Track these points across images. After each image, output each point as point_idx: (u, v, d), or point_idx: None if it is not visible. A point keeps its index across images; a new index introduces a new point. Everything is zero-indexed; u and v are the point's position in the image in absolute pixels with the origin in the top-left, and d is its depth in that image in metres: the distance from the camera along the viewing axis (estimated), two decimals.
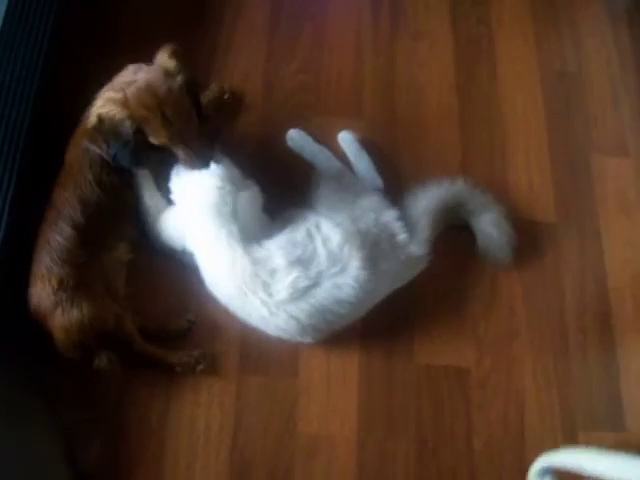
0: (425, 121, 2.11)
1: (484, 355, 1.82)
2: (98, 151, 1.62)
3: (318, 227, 1.67)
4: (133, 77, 1.56)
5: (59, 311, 1.55)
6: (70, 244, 1.59)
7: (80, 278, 1.58)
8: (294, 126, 1.98)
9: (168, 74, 1.56)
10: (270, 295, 1.59)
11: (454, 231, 1.89)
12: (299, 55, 2.14)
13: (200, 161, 1.61)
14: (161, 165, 1.73)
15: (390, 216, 1.76)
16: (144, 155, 1.62)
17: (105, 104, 1.54)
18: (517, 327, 1.87)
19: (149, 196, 1.74)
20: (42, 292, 1.56)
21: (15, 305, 1.58)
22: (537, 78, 2.24)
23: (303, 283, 1.59)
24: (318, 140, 1.97)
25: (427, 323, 1.83)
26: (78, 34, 2.02)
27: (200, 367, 1.66)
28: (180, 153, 1.60)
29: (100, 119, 1.54)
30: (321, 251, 1.62)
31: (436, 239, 1.82)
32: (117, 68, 1.62)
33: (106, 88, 1.60)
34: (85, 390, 1.59)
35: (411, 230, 1.77)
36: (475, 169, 2.04)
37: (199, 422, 1.65)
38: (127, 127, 1.53)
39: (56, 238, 1.59)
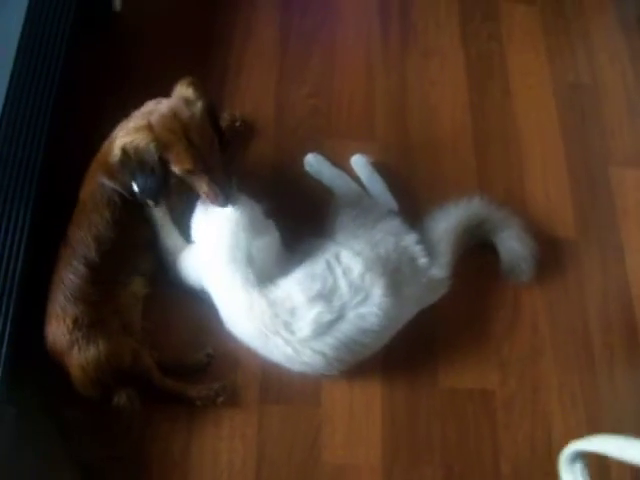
0: (439, 140, 2.09)
1: (509, 376, 1.79)
2: (115, 187, 1.62)
3: (338, 258, 1.64)
4: (154, 107, 1.57)
5: (75, 350, 1.54)
6: (84, 282, 1.58)
7: (95, 315, 1.57)
8: (306, 151, 1.97)
9: (189, 102, 1.56)
10: (293, 333, 1.56)
11: (474, 251, 1.87)
12: (310, 78, 2.14)
13: (222, 193, 1.59)
14: (181, 201, 1.73)
15: (410, 240, 1.74)
16: (167, 187, 1.61)
17: (128, 134, 1.54)
18: (541, 346, 1.84)
19: (168, 235, 1.72)
20: (57, 331, 1.55)
21: (33, 343, 1.58)
22: (550, 91, 2.23)
23: (326, 317, 1.56)
24: (333, 165, 1.96)
25: (449, 346, 1.80)
26: (90, 70, 2.03)
27: (220, 399, 1.64)
28: (202, 184, 1.59)
29: (124, 151, 1.53)
30: (342, 283, 1.59)
31: (456, 260, 1.80)
32: (131, 102, 1.62)
33: (126, 121, 1.60)
34: (106, 427, 1.58)
35: (431, 253, 1.75)
36: (492, 186, 2.02)
37: (222, 456, 1.63)
38: (152, 153, 1.51)
39: (70, 277, 1.58)
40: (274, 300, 1.57)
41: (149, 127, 1.52)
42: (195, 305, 1.73)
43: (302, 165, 1.95)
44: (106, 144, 1.66)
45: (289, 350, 1.57)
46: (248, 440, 1.64)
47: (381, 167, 1.97)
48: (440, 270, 1.75)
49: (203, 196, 1.62)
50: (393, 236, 1.73)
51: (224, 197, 1.60)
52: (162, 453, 1.62)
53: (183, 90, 1.59)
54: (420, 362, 1.77)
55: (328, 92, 2.12)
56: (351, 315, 1.58)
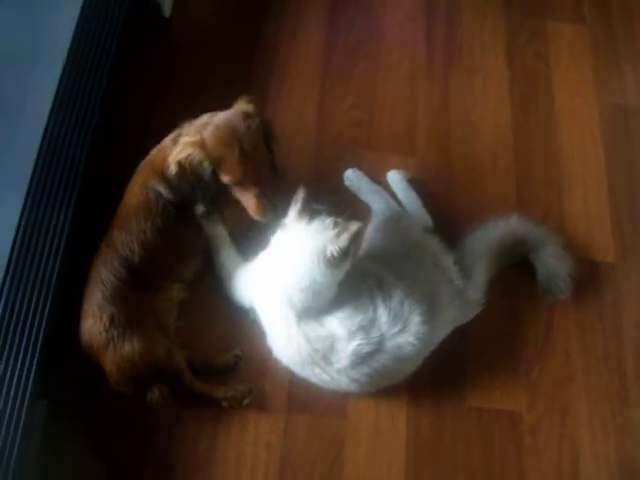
0: (479, 157, 2.08)
1: (537, 399, 1.77)
2: (169, 196, 1.64)
3: (379, 284, 1.61)
4: (209, 120, 1.61)
5: (111, 347, 1.57)
6: (123, 285, 1.62)
7: (131, 315, 1.60)
8: (346, 161, 1.98)
9: (247, 116, 1.60)
10: (330, 364, 1.57)
11: (507, 271, 1.86)
12: (353, 91, 2.15)
13: (269, 208, 1.62)
14: (243, 220, 1.73)
15: (448, 261, 1.73)
16: (224, 200, 1.65)
17: (183, 149, 1.57)
18: (572, 371, 1.81)
19: (225, 252, 1.74)
20: (93, 329, 1.58)
21: (66, 339, 1.62)
22: (596, 112, 2.20)
23: (365, 349, 1.55)
24: (371, 178, 1.96)
25: (478, 366, 1.78)
26: (138, 74, 2.08)
27: (246, 401, 1.64)
28: (250, 197, 1.62)
29: (180, 165, 1.57)
30: (381, 311, 1.57)
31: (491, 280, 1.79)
32: (178, 106, 1.67)
33: (179, 130, 1.64)
34: (134, 425, 1.61)
35: (467, 273, 1.74)
36: (531, 206, 2.01)
37: (245, 461, 1.64)
38: (206, 167, 1.56)
39: (110, 277, 1.62)
40: (314, 338, 1.56)
41: (202, 144, 1.56)
42: (226, 310, 1.75)
43: (341, 176, 1.96)
44: (157, 151, 1.70)
45: (326, 377, 1.58)
46: (272, 448, 1.65)
47: (419, 183, 1.96)
48: (475, 292, 1.74)
49: (250, 209, 1.64)
50: (431, 257, 1.72)
51: (271, 212, 1.62)
52: (187, 454, 1.63)
53: (243, 105, 1.63)
54: (447, 380, 1.76)
55: (370, 105, 2.12)
56: (389, 345, 1.57)
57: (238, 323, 1.75)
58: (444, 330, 1.69)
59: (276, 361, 1.66)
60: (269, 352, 1.67)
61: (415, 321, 1.58)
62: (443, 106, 2.15)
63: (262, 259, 1.65)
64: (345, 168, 1.96)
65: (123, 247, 1.64)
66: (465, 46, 2.28)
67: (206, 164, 1.56)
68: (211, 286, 1.77)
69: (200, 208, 1.68)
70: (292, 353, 1.59)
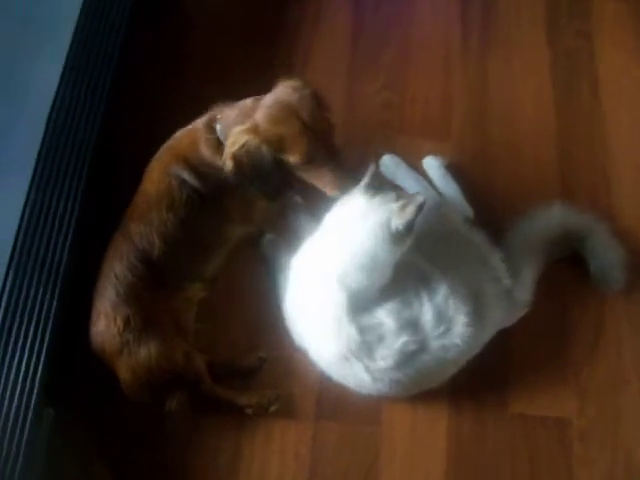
0: (519, 142, 1.94)
1: (588, 405, 1.62)
2: (195, 184, 1.52)
3: (424, 279, 1.49)
4: (255, 103, 1.49)
5: (126, 352, 1.44)
6: (140, 282, 1.49)
7: (148, 317, 1.47)
8: (377, 146, 1.84)
9: (295, 88, 1.47)
10: (375, 361, 1.44)
11: (552, 266, 1.71)
12: (382, 72, 2.02)
13: (347, 181, 1.47)
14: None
15: (494, 257, 1.59)
16: (289, 187, 1.54)
17: (236, 140, 1.44)
18: (626, 373, 1.65)
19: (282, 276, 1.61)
20: (107, 331, 1.45)
21: (76, 340, 1.50)
22: None
23: (411, 348, 1.44)
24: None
25: (523, 369, 1.64)
26: (151, 54, 1.96)
27: (273, 408, 1.52)
28: (324, 172, 1.48)
29: (235, 158, 1.43)
30: (427, 309, 1.46)
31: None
32: (192, 89, 1.53)
33: (220, 116, 1.52)
34: (148, 435, 1.49)
35: (513, 271, 1.60)
36: (576, 194, 1.86)
37: (271, 471, 1.51)
38: (265, 154, 1.43)
39: (126, 274, 1.48)
40: (365, 327, 1.44)
41: (255, 128, 1.43)
42: (250, 308, 1.64)
43: (370, 162, 1.79)
44: (183, 134, 1.58)
45: (367, 377, 1.46)
46: (301, 457, 1.52)
47: (456, 170, 1.83)
48: (524, 292, 1.61)
49: (327, 187, 1.50)
50: (476, 252, 1.59)
51: (351, 183, 1.47)
52: (207, 464, 1.51)
53: (286, 82, 1.50)
54: (489, 383, 1.62)
55: (402, 87, 1.99)
56: (434, 346, 1.46)
57: (262, 323, 1.63)
58: (490, 332, 1.56)
59: (306, 363, 1.54)
60: (297, 353, 1.55)
61: (461, 322, 1.46)
62: (481, 89, 2.01)
63: (311, 242, 1.53)
64: (376, 153, 1.82)
65: (141, 239, 1.50)
66: (502, 27, 2.13)
67: (265, 149, 1.42)
68: (232, 283, 1.66)
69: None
70: (339, 346, 1.44)
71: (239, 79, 1.53)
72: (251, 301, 1.65)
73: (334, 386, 1.54)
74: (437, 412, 1.58)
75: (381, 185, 1.42)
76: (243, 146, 1.42)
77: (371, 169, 1.42)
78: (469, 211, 1.75)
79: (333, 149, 1.48)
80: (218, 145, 1.51)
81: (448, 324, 1.46)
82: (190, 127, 1.58)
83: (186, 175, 1.51)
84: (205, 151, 1.52)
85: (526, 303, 1.61)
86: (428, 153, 1.84)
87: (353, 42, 2.06)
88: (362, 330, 1.44)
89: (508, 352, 1.64)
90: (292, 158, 1.44)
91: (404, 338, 1.44)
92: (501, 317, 1.57)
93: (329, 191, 1.50)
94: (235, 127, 1.46)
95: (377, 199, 1.39)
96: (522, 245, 1.66)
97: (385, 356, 1.44)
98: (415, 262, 1.51)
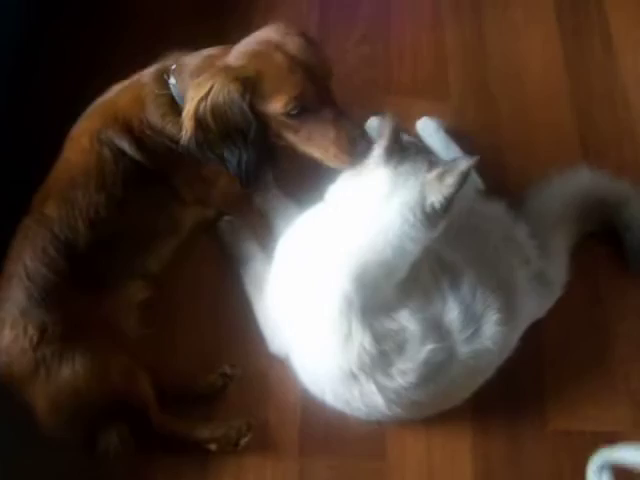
0: (529, 103, 1.63)
1: None
2: (133, 154, 1.18)
3: (445, 266, 1.16)
4: (226, 51, 1.16)
5: (42, 373, 1.09)
6: (61, 281, 1.14)
7: (72, 325, 1.12)
8: (363, 107, 1.49)
9: (279, 28, 1.13)
10: (391, 378, 1.11)
11: (583, 242, 1.39)
12: (361, 21, 1.70)
13: (358, 141, 1.12)
14: None
15: (521, 233, 1.27)
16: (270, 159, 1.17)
17: (197, 92, 1.09)
18: None
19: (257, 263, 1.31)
20: (14, 346, 1.10)
21: None
22: None
23: (438, 358, 1.11)
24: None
25: (559, 373, 1.31)
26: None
27: (244, 441, 1.17)
28: (326, 128, 1.12)
29: (197, 117, 1.09)
30: (452, 304, 1.13)
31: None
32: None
33: (193, 75, 1.16)
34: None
35: (541, 248, 1.28)
36: (600, 158, 1.55)
37: None
38: (239, 102, 1.07)
39: (41, 270, 1.13)
40: (382, 334, 1.10)
41: (224, 67, 1.10)
42: (209, 312, 1.32)
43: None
44: (122, 89, 1.25)
45: (379, 399, 1.12)
46: None
47: (455, 133, 1.51)
48: (557, 272, 1.29)
49: (330, 150, 1.14)
50: (500, 230, 1.26)
51: (360, 148, 1.12)
52: None
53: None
54: (522, 397, 1.29)
55: (385, 39, 1.69)
56: (462, 353, 1.13)
57: (225, 330, 1.29)
58: (521, 329, 1.23)
59: (286, 380, 1.20)
60: (274, 368, 1.22)
61: (492, 320, 1.14)
62: (478, 42, 1.71)
63: (306, 223, 1.17)
64: (361, 116, 1.46)
65: (62, 226, 1.16)
66: None
67: (239, 95, 1.07)
68: (185, 280, 1.33)
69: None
70: (345, 360, 1.09)
71: (191, 32, 1.20)
72: (210, 302, 1.32)
73: (322, 410, 1.18)
74: (458, 434, 1.25)
75: (404, 148, 1.07)
76: (208, 95, 1.07)
77: (389, 123, 1.06)
78: (478, 182, 1.42)
79: (332, 98, 1.14)
80: (171, 104, 1.19)
81: (477, 323, 1.14)
82: (133, 80, 1.24)
83: (125, 144, 1.19)
84: (153, 112, 1.19)
85: (561, 286, 1.29)
86: (422, 115, 1.52)
87: None
88: (378, 338, 1.09)
89: (541, 353, 1.32)
90: (278, 104, 1.09)
91: (430, 346, 1.10)
92: (534, 308, 1.25)
93: (332, 159, 1.15)
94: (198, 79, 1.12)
95: (404, 169, 1.05)
96: (547, 215, 1.35)
97: (406, 371, 1.10)
98: (431, 247, 1.15)
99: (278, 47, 1.08)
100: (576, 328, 1.35)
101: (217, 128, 1.09)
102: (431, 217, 1.04)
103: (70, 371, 1.07)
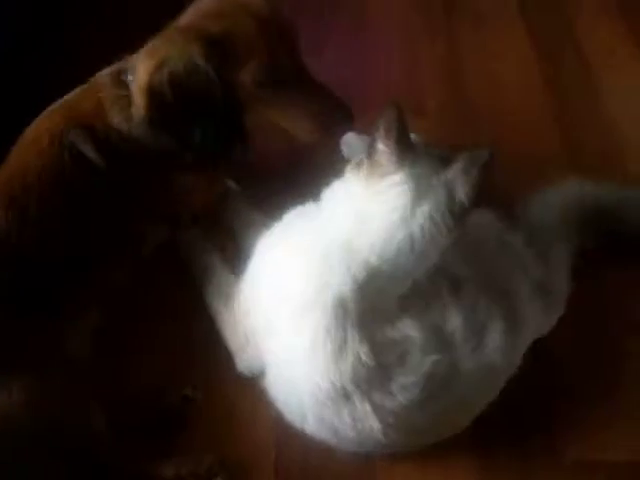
0: (508, 114, 1.56)
1: None
2: (97, 162, 1.05)
3: (442, 270, 1.05)
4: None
5: None
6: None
7: (8, 347, 0.95)
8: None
9: None
10: (390, 396, 0.97)
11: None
12: (334, 41, 1.65)
13: (330, 118, 1.05)
14: None
15: (517, 242, 1.17)
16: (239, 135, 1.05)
17: (148, 62, 0.99)
18: None
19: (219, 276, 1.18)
20: None
21: None
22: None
23: (441, 370, 0.99)
24: None
25: (572, 393, 1.16)
26: None
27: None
28: (295, 100, 1.03)
29: (152, 89, 0.96)
30: (453, 311, 1.03)
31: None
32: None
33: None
34: None
35: (539, 256, 1.18)
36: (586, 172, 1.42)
37: None
38: (203, 67, 0.95)
39: None
40: (383, 344, 0.98)
41: (184, 29, 0.99)
42: (170, 327, 1.17)
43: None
44: (79, 93, 1.13)
45: (374, 422, 0.97)
46: None
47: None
48: (558, 283, 1.17)
49: (302, 126, 1.06)
50: (495, 236, 1.17)
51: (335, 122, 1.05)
52: None
53: None
54: (530, 422, 1.13)
55: (357, 58, 1.63)
56: (468, 368, 1.01)
57: (187, 354, 1.14)
58: (526, 344, 1.10)
59: (258, 402, 1.04)
60: (243, 389, 1.06)
61: (496, 329, 1.03)
62: (453, 58, 1.66)
63: (295, 227, 1.06)
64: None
65: (8, 237, 0.99)
66: None
67: (200, 59, 0.95)
68: (142, 301, 1.19)
69: None
70: (337, 375, 0.95)
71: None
72: (169, 325, 1.17)
73: (300, 440, 1.03)
74: (460, 468, 1.08)
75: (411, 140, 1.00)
76: (163, 63, 0.95)
77: (392, 112, 0.96)
78: None
79: (307, 69, 1.05)
80: (131, 105, 1.06)
81: (480, 334, 1.03)
82: (90, 83, 1.13)
83: (88, 149, 1.05)
84: (115, 116, 1.07)
85: (563, 297, 1.17)
86: None
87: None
88: (377, 349, 0.97)
89: (549, 372, 1.17)
90: (248, 72, 0.98)
91: (433, 356, 0.99)
92: (537, 319, 1.12)
93: (306, 135, 1.07)
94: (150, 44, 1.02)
95: (422, 169, 0.97)
96: (541, 225, 1.24)
97: (407, 386, 0.97)
98: None
99: (244, 7, 0.98)
100: (588, 341, 1.22)
101: (177, 102, 0.96)
102: (458, 215, 0.97)
103: (6, 400, 0.89)
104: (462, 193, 0.95)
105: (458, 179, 0.95)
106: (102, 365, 1.06)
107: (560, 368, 1.19)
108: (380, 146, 0.97)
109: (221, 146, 1.03)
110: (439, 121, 1.51)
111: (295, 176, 1.28)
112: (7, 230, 1.00)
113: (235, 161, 1.10)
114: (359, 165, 1.00)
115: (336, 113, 1.06)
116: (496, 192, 1.35)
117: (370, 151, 0.98)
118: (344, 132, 1.06)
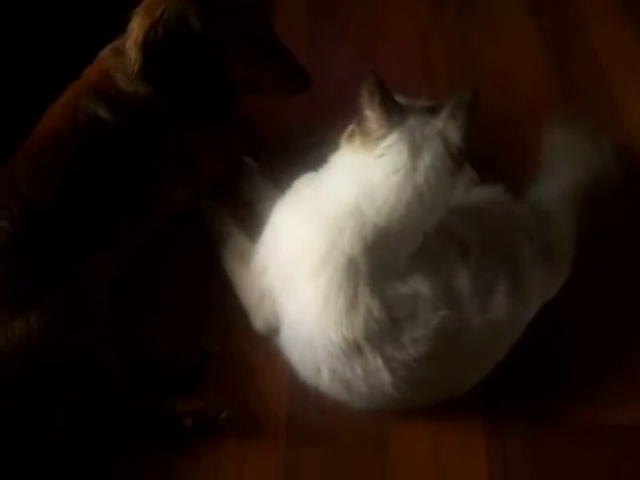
0: (520, 108, 1.59)
1: None
2: (111, 119, 1.12)
3: (446, 228, 1.09)
4: None
5: None
6: (21, 237, 1.03)
7: (30, 281, 1.00)
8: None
9: None
10: (402, 349, 1.00)
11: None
12: (349, 40, 1.70)
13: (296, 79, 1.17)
14: None
15: (522, 212, 1.20)
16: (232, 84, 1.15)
17: (143, 20, 1.05)
18: None
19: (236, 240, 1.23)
20: None
21: None
22: None
23: (451, 326, 1.02)
24: None
25: (582, 356, 1.18)
26: None
27: (223, 415, 1.02)
28: (269, 60, 1.15)
29: (146, 41, 1.04)
30: (460, 268, 1.06)
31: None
32: None
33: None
34: None
35: (544, 224, 1.20)
36: None
37: None
38: (193, 22, 1.04)
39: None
40: (394, 299, 1.01)
41: None
42: (190, 291, 1.21)
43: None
44: (90, 69, 1.20)
45: (386, 376, 1.00)
46: None
47: None
48: (563, 249, 1.19)
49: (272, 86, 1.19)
50: (500, 206, 1.20)
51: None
52: None
53: None
54: (542, 385, 1.14)
55: (373, 55, 1.67)
56: (476, 324, 1.03)
57: (205, 310, 1.17)
58: (533, 308, 1.13)
59: (273, 360, 1.08)
60: (259, 350, 1.11)
61: (502, 290, 1.06)
62: (466, 54, 1.70)
63: (309, 189, 1.09)
64: None
65: (29, 186, 1.07)
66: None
67: (193, 17, 1.04)
68: (164, 257, 1.23)
69: None
70: (349, 329, 0.98)
71: None
72: (189, 280, 1.22)
73: (313, 397, 1.05)
74: (470, 427, 1.09)
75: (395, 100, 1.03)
76: (159, 20, 1.03)
77: (372, 79, 1.01)
78: (474, 174, 1.35)
79: (274, 32, 1.15)
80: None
81: (487, 293, 1.06)
82: (95, 62, 1.20)
83: (101, 109, 1.12)
84: (121, 80, 1.13)
85: (568, 263, 1.19)
86: None
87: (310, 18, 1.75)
88: (388, 303, 1.00)
89: (558, 335, 1.19)
90: (231, 31, 1.08)
91: (442, 312, 1.01)
92: (543, 284, 1.14)
93: (270, 90, 1.19)
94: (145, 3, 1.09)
95: (412, 123, 1.00)
96: (553, 196, 1.27)
97: (418, 339, 1.00)
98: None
99: None
100: (599, 307, 1.23)
101: (169, 56, 1.05)
102: (458, 159, 1.00)
103: (23, 326, 0.94)
104: (456, 136, 0.99)
105: (449, 124, 0.99)
106: (120, 314, 1.10)
107: (565, 335, 1.20)
108: (367, 112, 1.00)
109: (212, 97, 1.12)
110: None
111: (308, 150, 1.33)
112: (26, 181, 1.06)
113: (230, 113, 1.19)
114: (352, 135, 1.04)
115: (297, 76, 1.17)
116: (504, 175, 1.40)
117: (359, 120, 1.02)
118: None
